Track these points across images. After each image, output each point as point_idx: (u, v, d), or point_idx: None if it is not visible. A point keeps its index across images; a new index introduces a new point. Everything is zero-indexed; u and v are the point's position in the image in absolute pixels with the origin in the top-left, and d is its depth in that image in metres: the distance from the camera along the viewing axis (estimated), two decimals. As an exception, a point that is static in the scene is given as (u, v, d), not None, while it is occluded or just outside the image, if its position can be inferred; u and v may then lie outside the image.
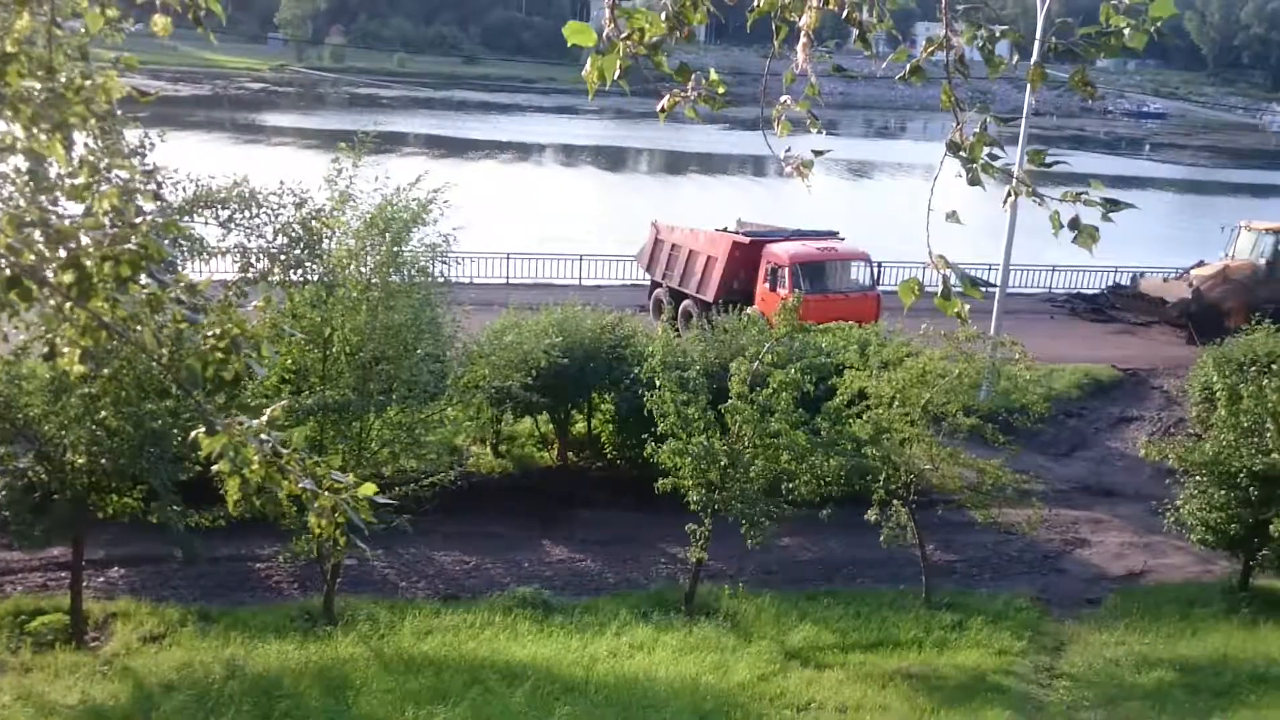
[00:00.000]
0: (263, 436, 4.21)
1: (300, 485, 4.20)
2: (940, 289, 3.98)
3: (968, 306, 3.99)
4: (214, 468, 4.30)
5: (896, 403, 16.53)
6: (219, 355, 4.42)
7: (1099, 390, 28.14)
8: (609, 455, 21.83)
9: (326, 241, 14.49)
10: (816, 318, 22.57)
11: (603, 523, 19.93)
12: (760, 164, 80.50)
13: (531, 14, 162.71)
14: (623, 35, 3.58)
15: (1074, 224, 3.80)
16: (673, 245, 31.28)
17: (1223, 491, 17.05)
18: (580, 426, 22.31)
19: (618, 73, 3.63)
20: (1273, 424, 16.86)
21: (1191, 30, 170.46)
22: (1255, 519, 16.92)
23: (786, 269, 27.40)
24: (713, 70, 3.90)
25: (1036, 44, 3.95)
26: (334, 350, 14.89)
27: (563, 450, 22.07)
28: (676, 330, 26.59)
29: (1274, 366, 18.07)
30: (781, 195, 52.56)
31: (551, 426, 22.14)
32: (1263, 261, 32.47)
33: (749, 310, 24.93)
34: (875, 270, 29.01)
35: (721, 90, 3.84)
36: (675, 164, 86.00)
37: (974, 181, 3.91)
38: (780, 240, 29.03)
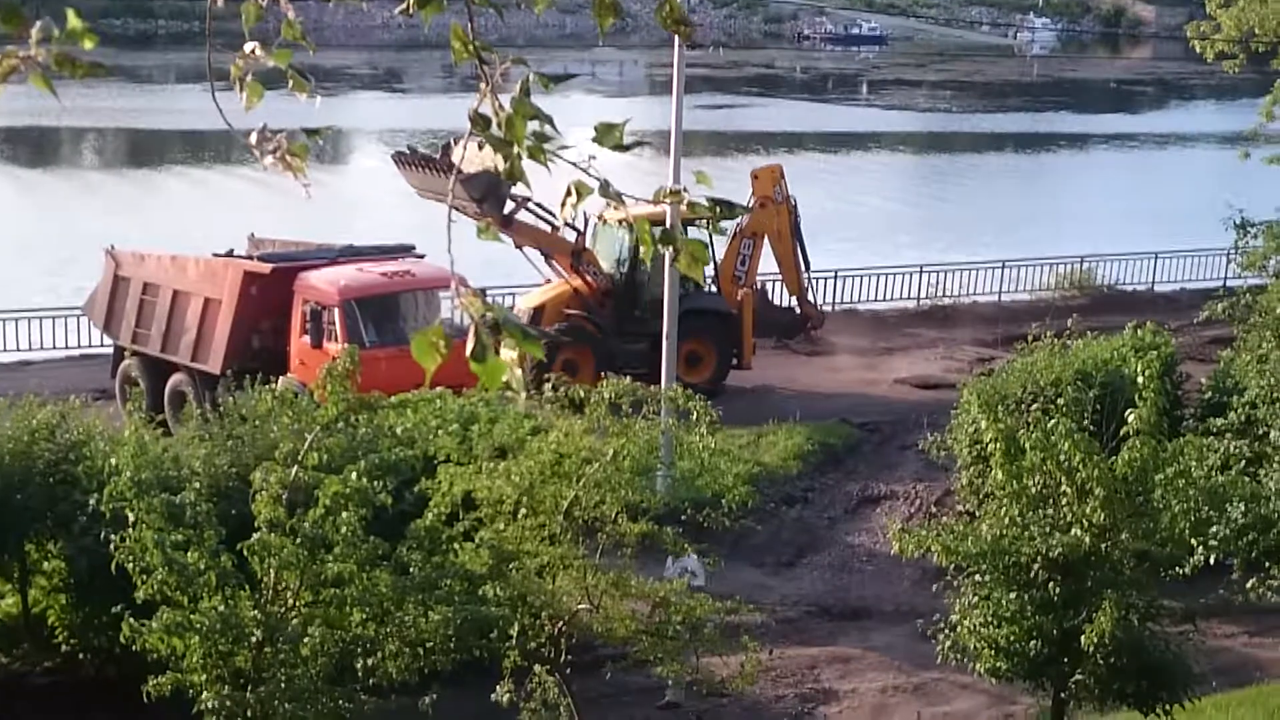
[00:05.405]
0: None
1: None
2: (471, 344, 3.01)
3: (519, 371, 3.06)
4: None
5: (524, 511, 13.32)
6: None
7: (830, 459, 22.30)
8: (63, 645, 16.52)
9: None
10: (389, 384, 17.09)
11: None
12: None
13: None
14: None
15: (668, 238, 3.23)
16: (145, 285, 23.38)
17: (1013, 593, 13.33)
18: (9, 602, 16.88)
19: None
20: (1068, 485, 13.04)
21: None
22: (1061, 628, 13.27)
23: (336, 309, 21.04)
24: (72, 13, 2.76)
25: None
26: None
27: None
28: (161, 425, 19.99)
29: (1061, 400, 14.07)
30: (327, 192, 37.82)
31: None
32: (620, 271, 24.74)
33: (280, 382, 18.95)
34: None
35: (90, 44, 2.79)
36: (146, 149, 60.58)
37: (514, 175, 3.18)
38: (323, 265, 22.38)
